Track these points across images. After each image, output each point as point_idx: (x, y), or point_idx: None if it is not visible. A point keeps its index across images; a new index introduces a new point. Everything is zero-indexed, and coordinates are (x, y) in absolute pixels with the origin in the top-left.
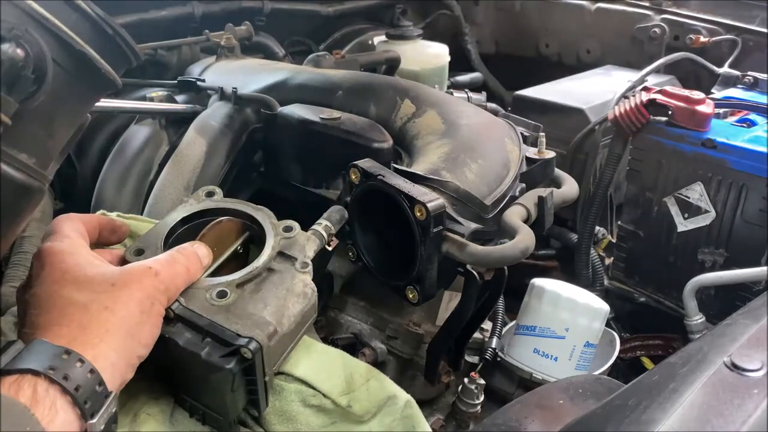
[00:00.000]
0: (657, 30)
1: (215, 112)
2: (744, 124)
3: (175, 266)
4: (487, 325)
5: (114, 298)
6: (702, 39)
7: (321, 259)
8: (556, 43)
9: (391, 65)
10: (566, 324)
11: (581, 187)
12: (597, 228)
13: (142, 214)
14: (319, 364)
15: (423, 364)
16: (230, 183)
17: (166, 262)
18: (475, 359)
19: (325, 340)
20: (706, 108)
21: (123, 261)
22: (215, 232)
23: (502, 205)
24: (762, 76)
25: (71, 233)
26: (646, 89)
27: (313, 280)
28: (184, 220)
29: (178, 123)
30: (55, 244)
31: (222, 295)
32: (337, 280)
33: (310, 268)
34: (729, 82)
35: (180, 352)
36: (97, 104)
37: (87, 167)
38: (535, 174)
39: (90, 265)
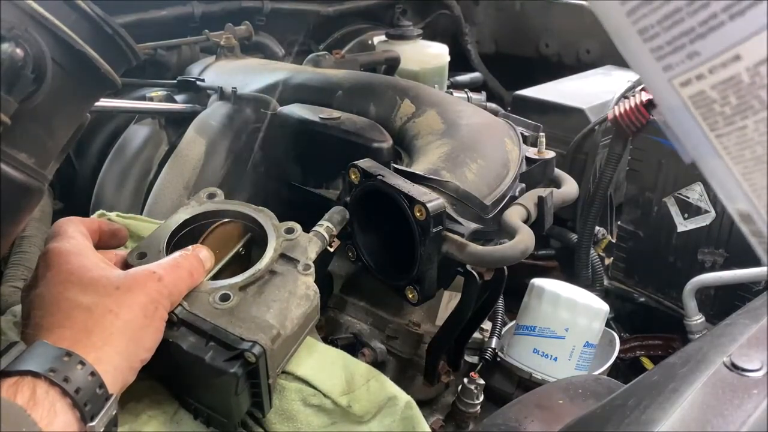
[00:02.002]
0: None
1: (215, 112)
2: None
3: (178, 270)
4: (487, 325)
5: (118, 301)
6: None
7: (322, 259)
8: (556, 43)
9: (391, 65)
10: (566, 324)
11: (581, 187)
12: (597, 228)
13: (141, 213)
14: (320, 363)
15: (423, 364)
16: (230, 183)
17: (169, 266)
18: (474, 359)
19: (325, 340)
20: None
21: (126, 262)
22: (217, 234)
23: (502, 205)
24: None
25: (76, 235)
26: (646, 89)
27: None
28: (186, 223)
29: (177, 123)
30: (61, 245)
31: (225, 298)
32: (336, 280)
33: (313, 270)
34: None
35: (184, 356)
36: (97, 104)
37: (86, 167)
38: (535, 174)
39: (96, 267)
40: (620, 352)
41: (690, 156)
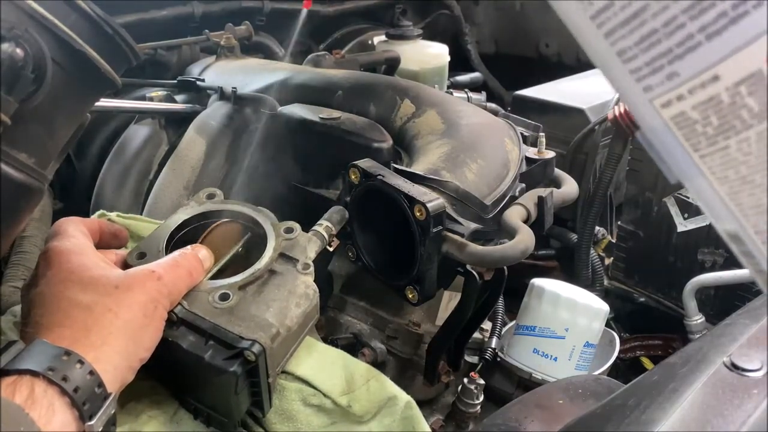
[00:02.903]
0: None
1: (215, 112)
2: None
3: (177, 270)
4: (487, 325)
5: (118, 301)
6: None
7: (321, 259)
8: (556, 43)
9: (391, 65)
10: (566, 324)
11: (581, 187)
12: (597, 228)
13: (141, 214)
14: (320, 363)
15: (423, 364)
16: (230, 183)
17: (168, 265)
18: (474, 359)
19: (325, 340)
20: None
21: (125, 262)
22: (216, 234)
23: (502, 205)
24: None
25: (77, 234)
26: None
27: (314, 280)
28: (186, 223)
29: (177, 123)
30: (62, 243)
31: (224, 297)
32: (336, 280)
33: (312, 269)
34: None
35: (183, 355)
36: (97, 104)
37: (86, 167)
38: (535, 174)
39: (96, 267)
40: (620, 352)
41: (675, 176)
